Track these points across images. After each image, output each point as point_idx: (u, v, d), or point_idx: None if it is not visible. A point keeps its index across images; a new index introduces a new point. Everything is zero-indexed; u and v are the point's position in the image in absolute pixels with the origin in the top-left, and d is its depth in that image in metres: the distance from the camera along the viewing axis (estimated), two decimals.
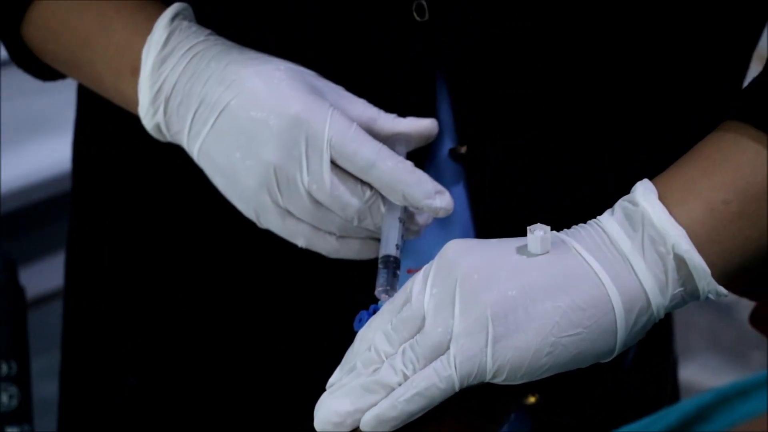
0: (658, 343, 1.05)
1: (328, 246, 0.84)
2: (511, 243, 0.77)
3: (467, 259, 0.75)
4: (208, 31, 0.88)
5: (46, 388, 1.28)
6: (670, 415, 0.61)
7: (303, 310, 0.96)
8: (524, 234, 0.76)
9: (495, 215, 0.91)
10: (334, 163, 0.81)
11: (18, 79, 1.08)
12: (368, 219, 0.82)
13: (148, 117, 0.86)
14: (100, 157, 1.05)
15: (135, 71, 0.87)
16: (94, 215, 1.06)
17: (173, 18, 0.87)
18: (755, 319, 0.97)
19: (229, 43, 0.86)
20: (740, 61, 0.95)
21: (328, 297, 0.94)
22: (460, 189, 0.90)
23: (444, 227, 0.90)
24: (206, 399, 1.01)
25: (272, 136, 0.81)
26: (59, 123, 1.42)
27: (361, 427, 0.75)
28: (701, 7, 0.88)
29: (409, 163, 0.82)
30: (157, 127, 0.86)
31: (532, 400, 0.91)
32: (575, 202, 0.85)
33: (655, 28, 0.89)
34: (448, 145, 0.90)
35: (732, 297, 0.94)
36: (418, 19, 0.87)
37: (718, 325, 1.95)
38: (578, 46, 0.89)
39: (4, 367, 1.09)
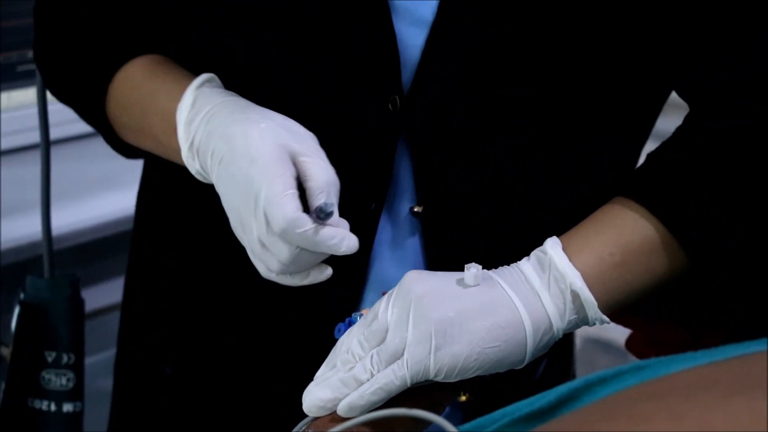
0: (561, 363, 1.12)
1: (270, 277, 0.88)
2: (453, 276, 0.84)
3: (419, 286, 0.83)
4: (226, 94, 0.92)
5: (96, 377, 1.38)
6: (551, 394, 0.69)
7: (297, 322, 1.00)
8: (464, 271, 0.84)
9: (443, 258, 0.96)
10: None
11: (93, 147, 1.21)
12: (292, 266, 0.85)
13: (190, 164, 0.92)
14: (157, 205, 1.11)
15: (176, 131, 0.93)
16: (149, 250, 1.13)
17: (199, 86, 0.93)
18: (630, 343, 1.04)
19: (238, 104, 0.90)
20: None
21: (314, 313, 0.98)
22: (416, 239, 0.97)
23: (404, 267, 0.95)
24: (221, 384, 1.07)
25: (238, 188, 0.86)
26: (115, 181, 1.56)
27: (337, 412, 0.82)
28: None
29: (313, 226, 0.84)
30: (199, 173, 0.92)
31: (464, 398, 0.99)
32: (506, 255, 0.89)
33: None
34: (407, 204, 0.96)
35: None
36: (390, 109, 0.92)
37: (616, 364, 2.01)
38: (530, 127, 0.94)
39: (65, 357, 1.18)
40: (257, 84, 0.96)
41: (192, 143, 0.91)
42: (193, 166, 0.92)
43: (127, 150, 1.08)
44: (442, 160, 0.95)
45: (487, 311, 0.82)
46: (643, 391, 0.58)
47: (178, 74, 0.98)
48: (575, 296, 0.84)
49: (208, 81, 0.94)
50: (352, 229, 0.89)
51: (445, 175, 0.95)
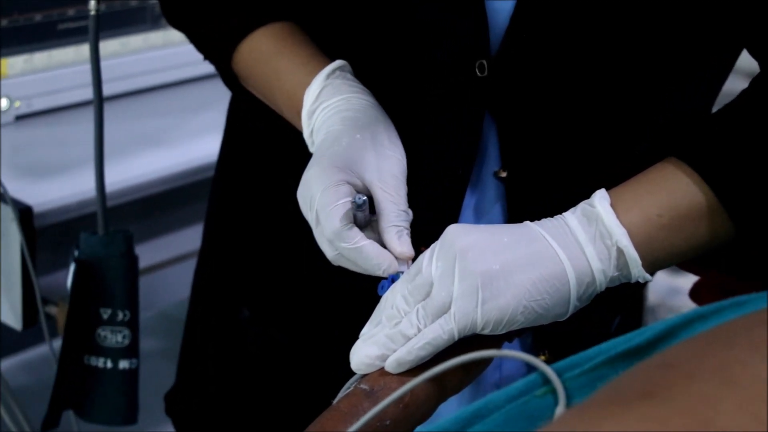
0: (633, 319, 1.12)
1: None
2: (495, 228, 0.84)
3: (463, 239, 0.82)
4: (352, 89, 0.95)
5: (146, 336, 1.39)
6: (648, 331, 0.69)
7: (345, 281, 0.98)
8: None
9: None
10: None
11: (152, 105, 1.19)
12: (341, 262, 0.89)
13: (309, 145, 0.96)
14: (243, 148, 1.14)
15: (299, 113, 0.97)
16: (227, 199, 1.16)
17: (328, 75, 0.96)
18: (694, 293, 1.02)
19: (356, 105, 0.93)
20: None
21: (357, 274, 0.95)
22: (499, 203, 0.98)
23: None
24: (292, 333, 1.10)
25: (301, 185, 0.90)
26: (166, 138, 1.51)
27: (386, 368, 0.82)
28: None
29: (358, 246, 0.87)
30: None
31: (543, 358, 0.98)
32: None
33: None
34: (492, 168, 0.97)
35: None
36: (478, 74, 0.93)
37: None
38: (613, 100, 0.94)
39: (120, 314, 1.17)
40: (346, 45, 0.98)
41: (312, 131, 0.95)
42: (311, 147, 0.96)
43: (242, 91, 1.09)
44: (528, 125, 0.95)
45: (532, 264, 0.82)
46: (758, 318, 0.56)
47: (306, 54, 1.00)
48: (620, 253, 0.84)
49: (338, 69, 0.96)
50: (441, 194, 0.92)
51: (530, 140, 0.96)
